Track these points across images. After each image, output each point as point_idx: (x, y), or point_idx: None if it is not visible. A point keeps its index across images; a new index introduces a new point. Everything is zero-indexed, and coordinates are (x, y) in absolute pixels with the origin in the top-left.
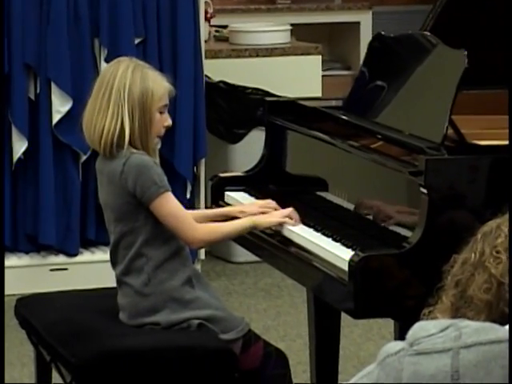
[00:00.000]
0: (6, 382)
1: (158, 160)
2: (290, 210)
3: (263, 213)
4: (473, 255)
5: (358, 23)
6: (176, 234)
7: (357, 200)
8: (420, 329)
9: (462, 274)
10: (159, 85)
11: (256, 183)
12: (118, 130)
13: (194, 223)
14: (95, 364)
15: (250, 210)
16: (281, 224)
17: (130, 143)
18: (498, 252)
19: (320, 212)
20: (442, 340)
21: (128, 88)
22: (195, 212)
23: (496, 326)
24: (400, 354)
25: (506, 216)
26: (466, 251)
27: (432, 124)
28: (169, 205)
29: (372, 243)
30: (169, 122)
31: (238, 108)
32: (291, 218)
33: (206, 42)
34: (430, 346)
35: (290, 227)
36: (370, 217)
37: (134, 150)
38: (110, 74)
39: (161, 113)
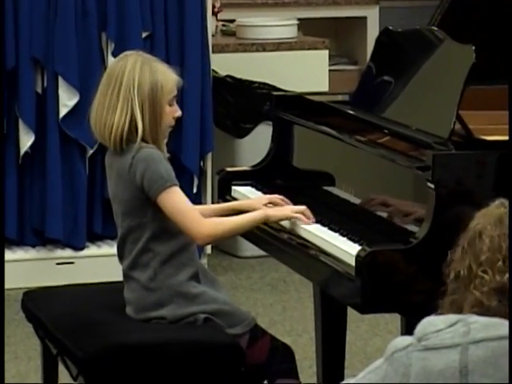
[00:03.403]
0: (12, 375)
1: (166, 153)
2: (303, 207)
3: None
4: (462, 271)
5: (365, 18)
6: (181, 229)
7: (364, 195)
8: (428, 324)
9: (454, 294)
10: (168, 77)
11: (263, 178)
12: (127, 125)
13: (201, 218)
14: (102, 358)
15: (258, 203)
16: (293, 219)
17: (141, 137)
18: (483, 271)
19: (327, 207)
20: (451, 335)
21: (137, 83)
22: (202, 207)
23: (505, 322)
24: (408, 350)
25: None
26: (456, 259)
27: (439, 119)
28: (175, 199)
29: (379, 238)
30: (179, 112)
31: (245, 102)
32: (305, 215)
33: (213, 36)
34: (439, 341)
35: (298, 222)
36: (377, 212)
37: (144, 144)
38: (119, 69)
39: (170, 105)
